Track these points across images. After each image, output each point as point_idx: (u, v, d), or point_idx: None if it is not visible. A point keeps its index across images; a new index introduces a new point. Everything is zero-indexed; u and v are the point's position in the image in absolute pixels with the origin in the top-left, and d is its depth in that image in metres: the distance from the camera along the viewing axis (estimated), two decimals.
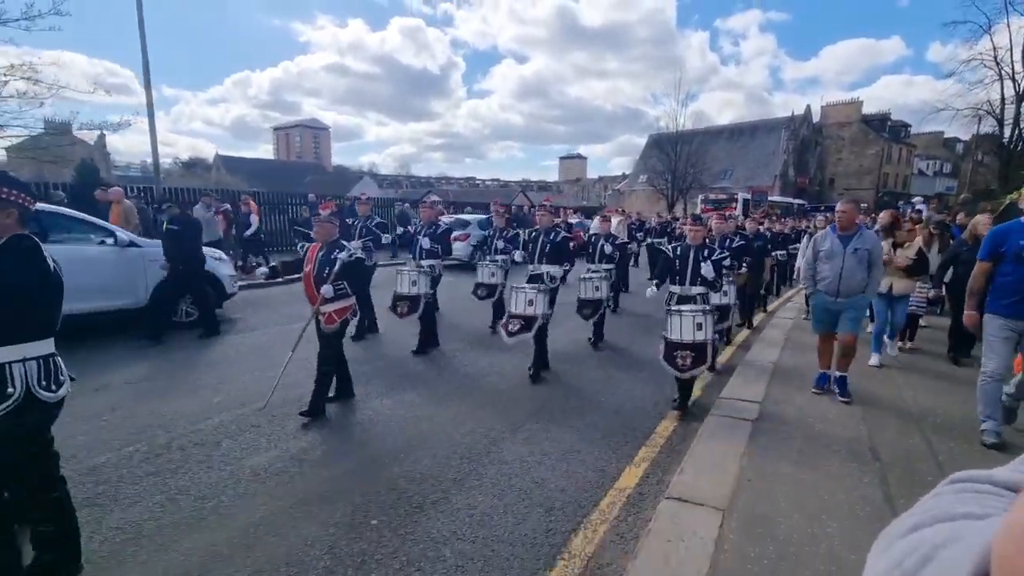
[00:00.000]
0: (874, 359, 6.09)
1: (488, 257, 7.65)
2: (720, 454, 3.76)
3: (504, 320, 5.63)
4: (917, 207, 11.22)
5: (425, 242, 6.78)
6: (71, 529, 2.45)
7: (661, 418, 4.61)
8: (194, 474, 3.44)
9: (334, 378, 4.67)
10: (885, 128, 50.53)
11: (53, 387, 2.28)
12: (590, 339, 6.98)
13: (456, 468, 3.60)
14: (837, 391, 4.90)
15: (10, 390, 2.14)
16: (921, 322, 7.35)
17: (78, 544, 2.48)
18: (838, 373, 4.96)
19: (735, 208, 25.50)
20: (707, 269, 4.82)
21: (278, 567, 2.58)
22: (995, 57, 23.98)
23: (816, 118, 50.51)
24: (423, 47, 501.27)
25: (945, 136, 53.23)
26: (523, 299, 5.45)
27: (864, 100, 52.55)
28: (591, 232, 8.43)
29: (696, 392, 5.10)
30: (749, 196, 31.88)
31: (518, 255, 6.81)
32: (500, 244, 7.56)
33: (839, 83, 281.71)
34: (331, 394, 4.68)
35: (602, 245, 7.42)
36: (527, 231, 7.01)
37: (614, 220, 9.16)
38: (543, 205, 6.98)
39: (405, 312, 6.32)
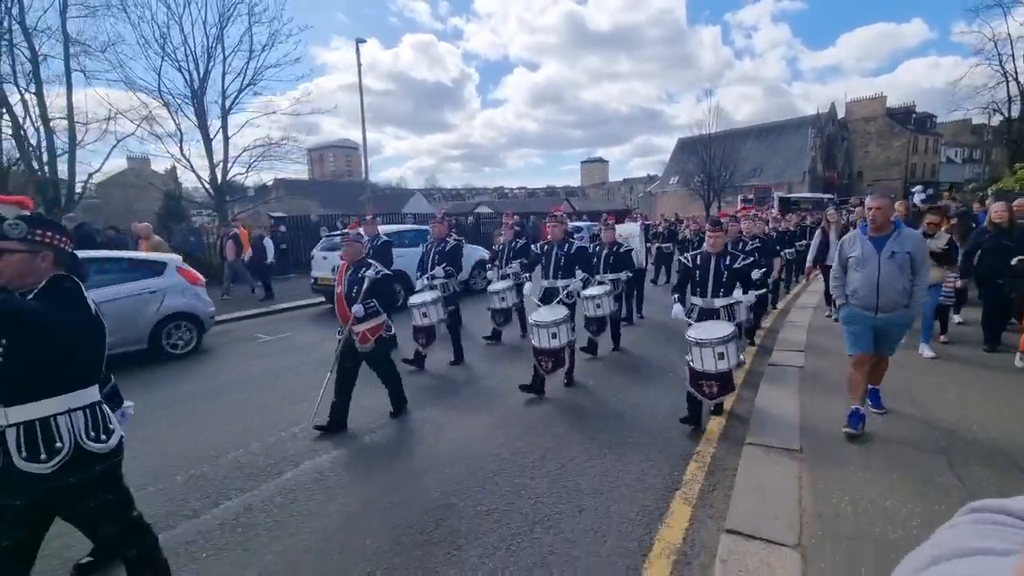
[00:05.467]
0: (926, 351, 5.93)
1: (499, 272, 7.53)
2: (774, 475, 3.50)
3: (534, 355, 5.33)
4: (915, 199, 12.00)
5: (439, 271, 6.62)
6: (153, 548, 2.47)
7: (692, 435, 4.36)
8: (237, 498, 3.66)
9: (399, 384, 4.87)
10: (910, 120, 51.29)
11: (103, 437, 2.16)
12: (612, 348, 6.91)
13: (487, 492, 3.55)
14: (870, 403, 4.26)
15: (59, 445, 2.04)
16: (957, 318, 7.20)
17: (163, 560, 2.50)
18: (870, 386, 4.29)
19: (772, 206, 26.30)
20: (748, 298, 4.65)
21: None
22: (1000, 61, 26.75)
23: (841, 114, 51.55)
24: (436, 61, 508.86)
25: (973, 123, 53.11)
26: (546, 335, 5.16)
27: (888, 88, 54.34)
28: (596, 242, 7.98)
29: (712, 438, 4.62)
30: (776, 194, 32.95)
31: (527, 288, 6.52)
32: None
33: (860, 70, 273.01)
34: (342, 418, 4.67)
35: (606, 255, 7.15)
36: (539, 244, 6.57)
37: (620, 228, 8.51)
38: (553, 216, 6.37)
39: (425, 343, 6.32)
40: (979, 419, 4.20)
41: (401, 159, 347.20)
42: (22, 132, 15.66)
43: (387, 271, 4.73)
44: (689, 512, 3.31)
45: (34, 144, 15.97)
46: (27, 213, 2.20)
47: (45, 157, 16.15)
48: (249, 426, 4.83)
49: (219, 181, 18.64)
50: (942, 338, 6.47)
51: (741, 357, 4.91)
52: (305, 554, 3.00)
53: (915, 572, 0.44)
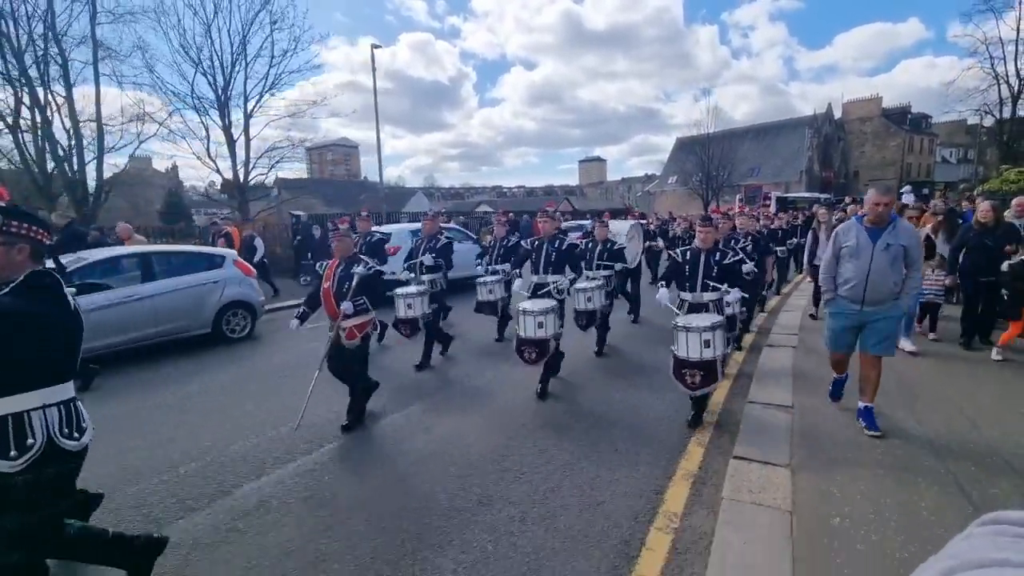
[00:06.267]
0: (907, 344, 5.95)
1: (489, 268, 7.53)
2: (771, 422, 3.80)
3: (516, 347, 5.31)
4: (904, 199, 12.75)
5: (427, 259, 6.77)
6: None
7: (685, 432, 4.46)
8: (337, 442, 4.39)
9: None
10: (906, 120, 52.12)
11: (76, 435, 2.12)
12: (595, 350, 6.86)
13: (537, 439, 4.24)
14: (864, 424, 4.10)
15: (30, 441, 1.98)
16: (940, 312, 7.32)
17: None
18: (863, 404, 4.14)
19: (768, 206, 26.95)
20: (734, 295, 4.56)
21: None
22: (992, 63, 28.17)
23: (838, 114, 52.47)
24: (433, 60, 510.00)
25: (968, 123, 54.05)
26: (532, 323, 5.14)
27: (885, 88, 55.43)
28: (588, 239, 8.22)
29: (718, 403, 4.99)
30: (774, 193, 33.88)
31: (517, 284, 6.17)
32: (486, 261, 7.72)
33: (857, 70, 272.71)
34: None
35: (600, 251, 7.35)
36: (530, 240, 6.46)
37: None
38: (545, 211, 6.36)
39: (408, 334, 6.46)
40: (950, 399, 4.91)
41: (399, 158, 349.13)
42: (54, 134, 16.46)
43: (378, 267, 4.76)
44: (702, 451, 4.16)
45: (65, 147, 16.75)
46: (3, 204, 2.16)
47: (75, 159, 16.92)
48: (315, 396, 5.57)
49: (242, 180, 19.46)
50: (932, 335, 6.71)
51: (728, 350, 4.98)
52: (392, 479, 3.89)
53: None
